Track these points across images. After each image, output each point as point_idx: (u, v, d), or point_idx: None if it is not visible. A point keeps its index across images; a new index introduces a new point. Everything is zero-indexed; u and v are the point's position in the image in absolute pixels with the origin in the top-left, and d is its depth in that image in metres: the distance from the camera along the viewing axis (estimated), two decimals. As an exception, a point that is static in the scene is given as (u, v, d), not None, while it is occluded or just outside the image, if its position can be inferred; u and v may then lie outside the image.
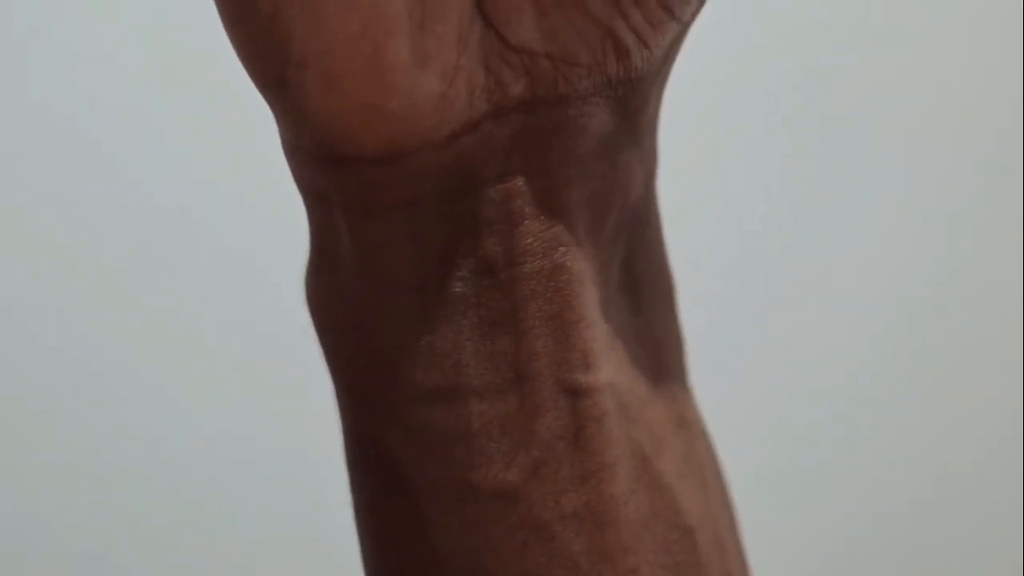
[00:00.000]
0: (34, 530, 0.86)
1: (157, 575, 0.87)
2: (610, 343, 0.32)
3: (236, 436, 0.87)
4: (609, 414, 0.31)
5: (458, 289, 0.30)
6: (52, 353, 0.85)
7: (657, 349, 0.33)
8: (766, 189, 0.90)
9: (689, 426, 0.33)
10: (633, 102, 0.31)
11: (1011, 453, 0.94)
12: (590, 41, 0.29)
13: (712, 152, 0.89)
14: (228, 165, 0.85)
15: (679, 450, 0.33)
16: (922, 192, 0.92)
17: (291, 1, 0.28)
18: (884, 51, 0.91)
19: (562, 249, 0.30)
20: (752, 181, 0.90)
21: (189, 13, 0.81)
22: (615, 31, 0.29)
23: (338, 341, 0.31)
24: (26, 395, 0.85)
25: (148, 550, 0.87)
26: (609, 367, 0.31)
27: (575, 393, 0.31)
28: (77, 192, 0.84)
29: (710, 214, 0.89)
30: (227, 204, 0.86)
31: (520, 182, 0.30)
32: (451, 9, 0.29)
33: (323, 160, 0.29)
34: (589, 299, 0.31)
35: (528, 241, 0.30)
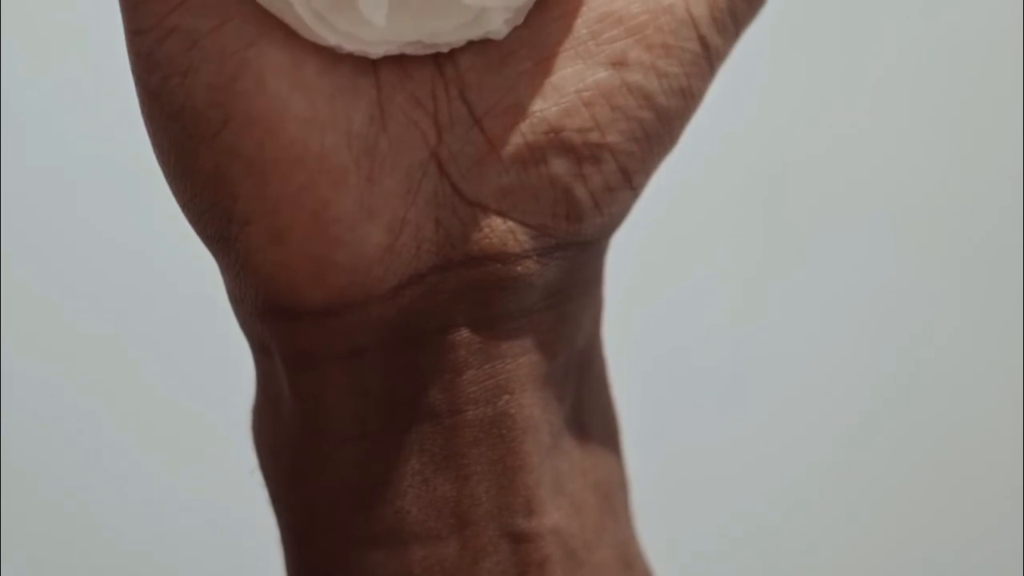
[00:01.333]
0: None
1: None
2: (557, 487, 0.31)
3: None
4: (552, 559, 0.31)
5: (400, 438, 0.30)
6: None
7: (605, 491, 0.33)
8: (745, 275, 0.91)
9: (635, 570, 0.33)
10: (582, 257, 0.31)
11: (1010, 532, 0.94)
12: (545, 202, 0.29)
13: (692, 236, 0.89)
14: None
15: None
16: (899, 277, 0.92)
17: (234, 159, 0.28)
18: (864, 143, 0.91)
19: (505, 397, 0.30)
20: (732, 267, 0.90)
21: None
22: (572, 194, 0.29)
23: (280, 484, 0.31)
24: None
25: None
26: (555, 512, 0.31)
27: (517, 539, 0.31)
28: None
29: (690, 299, 0.89)
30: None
31: (464, 333, 0.30)
32: (401, 162, 0.29)
33: (266, 313, 0.29)
34: (533, 444, 0.31)
35: (471, 390, 0.30)
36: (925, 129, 0.91)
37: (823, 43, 0.89)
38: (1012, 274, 0.91)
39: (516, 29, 0.29)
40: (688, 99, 0.30)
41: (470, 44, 0.29)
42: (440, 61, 0.29)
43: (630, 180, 0.30)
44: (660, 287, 0.86)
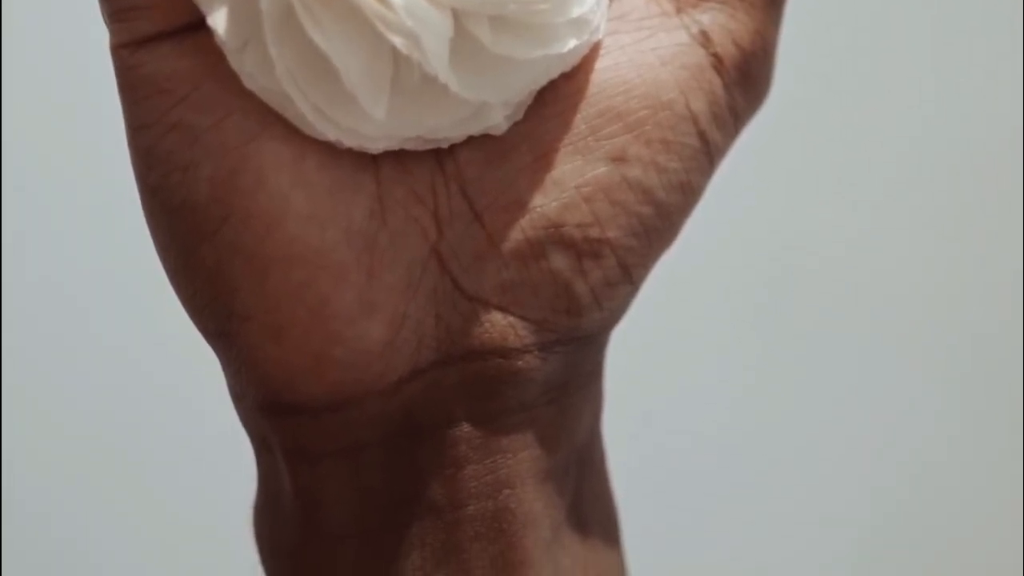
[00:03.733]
0: None
1: None
2: None
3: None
4: None
5: (401, 533, 0.30)
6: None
7: None
8: (741, 376, 0.91)
9: None
10: (582, 352, 0.31)
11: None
12: (545, 296, 0.29)
13: (689, 335, 0.89)
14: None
15: None
16: (898, 382, 0.92)
17: (234, 254, 0.28)
18: (863, 247, 0.91)
19: (506, 491, 0.30)
20: (729, 368, 0.90)
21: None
22: (572, 289, 0.29)
23: None
24: None
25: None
26: None
27: None
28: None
29: (696, 396, 0.89)
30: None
31: (465, 428, 0.30)
32: (401, 257, 0.29)
33: (265, 408, 0.29)
34: (534, 539, 0.31)
35: (472, 485, 0.30)
36: (926, 232, 0.91)
37: (822, 146, 0.90)
38: (1012, 382, 0.91)
39: (516, 124, 0.29)
40: (688, 194, 0.30)
41: (470, 139, 0.29)
42: (440, 156, 0.29)
43: (630, 275, 0.30)
44: (658, 385, 0.86)
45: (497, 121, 0.29)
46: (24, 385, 0.84)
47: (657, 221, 0.30)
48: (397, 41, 0.27)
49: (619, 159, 0.29)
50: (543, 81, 0.29)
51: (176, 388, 0.83)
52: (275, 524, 0.31)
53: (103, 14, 0.28)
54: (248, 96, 0.28)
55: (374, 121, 0.28)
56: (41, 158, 0.84)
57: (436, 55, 0.27)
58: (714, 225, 0.87)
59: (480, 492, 0.30)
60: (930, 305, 0.91)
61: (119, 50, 0.28)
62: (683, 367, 0.88)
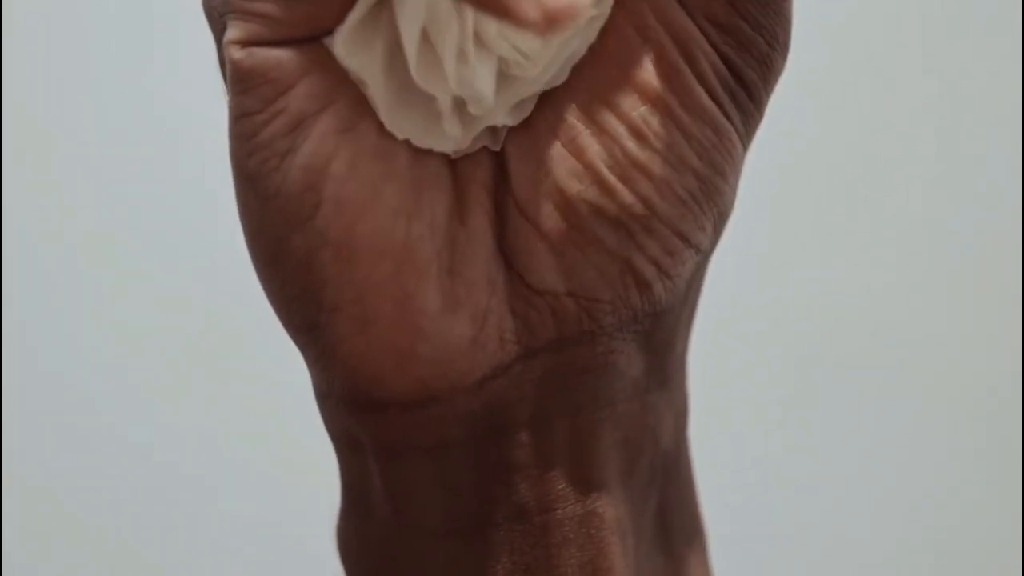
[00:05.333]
0: None
1: None
2: None
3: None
4: None
5: (490, 535, 0.30)
6: None
7: None
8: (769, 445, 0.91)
9: None
10: (659, 337, 0.31)
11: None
12: (610, 276, 0.29)
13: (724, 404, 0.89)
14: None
15: None
16: (919, 444, 0.92)
17: (325, 244, 0.28)
18: (892, 307, 0.92)
19: (594, 494, 0.30)
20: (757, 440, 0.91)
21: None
22: (633, 264, 0.29)
23: None
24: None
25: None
26: None
27: None
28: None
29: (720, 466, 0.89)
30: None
31: (550, 425, 0.30)
32: (479, 254, 0.29)
33: (353, 404, 0.29)
34: (621, 546, 0.30)
35: (560, 486, 0.30)
36: (942, 295, 0.92)
37: (843, 216, 0.91)
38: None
39: (542, 112, 0.30)
40: (723, 153, 0.30)
41: (509, 134, 0.30)
42: (494, 154, 0.30)
43: (688, 240, 0.30)
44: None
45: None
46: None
47: (698, 185, 0.29)
48: (471, 105, 0.29)
49: (642, 133, 0.29)
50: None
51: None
52: (364, 526, 0.31)
53: (216, 6, 0.29)
54: (349, 89, 0.29)
55: (452, 139, 0.29)
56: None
57: (495, 106, 0.29)
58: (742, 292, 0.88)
59: (568, 495, 0.30)
60: (950, 358, 0.92)
61: (231, 45, 0.28)
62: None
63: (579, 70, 0.30)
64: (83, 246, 0.87)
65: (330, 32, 0.28)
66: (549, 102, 0.30)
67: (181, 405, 0.86)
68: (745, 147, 0.30)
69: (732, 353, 0.89)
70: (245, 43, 0.28)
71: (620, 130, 0.29)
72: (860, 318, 0.91)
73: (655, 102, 0.29)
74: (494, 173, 0.30)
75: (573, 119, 0.29)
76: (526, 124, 0.30)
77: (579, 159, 0.29)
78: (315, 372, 0.30)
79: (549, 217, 0.29)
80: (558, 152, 0.29)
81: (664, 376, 0.31)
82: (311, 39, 0.28)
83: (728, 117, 0.29)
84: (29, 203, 0.86)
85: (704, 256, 0.31)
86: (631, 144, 0.29)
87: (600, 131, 0.29)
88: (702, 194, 0.29)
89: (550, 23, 0.25)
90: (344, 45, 0.28)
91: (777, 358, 0.91)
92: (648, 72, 0.29)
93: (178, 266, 0.87)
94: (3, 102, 0.85)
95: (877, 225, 0.91)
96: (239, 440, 0.87)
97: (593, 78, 0.29)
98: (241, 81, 0.28)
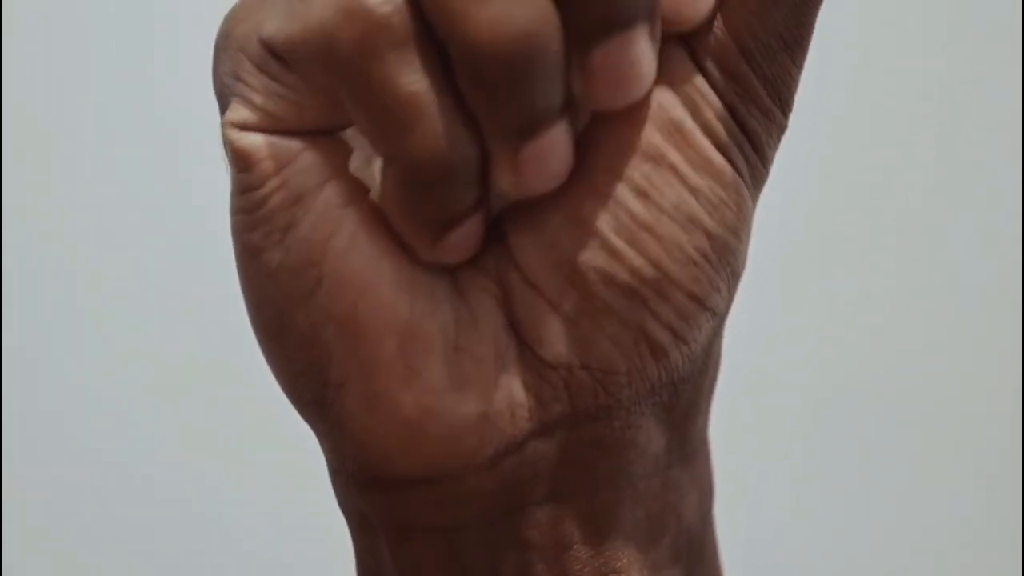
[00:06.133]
0: None
1: None
2: None
3: None
4: None
5: None
6: None
7: None
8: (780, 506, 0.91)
9: None
10: (679, 409, 0.30)
11: None
12: (624, 345, 0.28)
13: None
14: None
15: None
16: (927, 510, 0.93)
17: (328, 320, 0.28)
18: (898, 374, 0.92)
19: None
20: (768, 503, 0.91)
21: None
22: (647, 331, 0.28)
23: None
24: None
25: None
26: None
27: None
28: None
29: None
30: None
31: (567, 503, 0.29)
32: (486, 328, 0.29)
33: (364, 482, 0.29)
34: None
35: (577, 567, 0.29)
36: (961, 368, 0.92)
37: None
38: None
39: None
40: (733, 210, 0.29)
41: (510, 209, 0.29)
42: (491, 229, 0.29)
43: (702, 303, 0.29)
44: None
45: None
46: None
47: (710, 243, 0.28)
48: None
49: (646, 192, 0.28)
50: None
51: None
52: None
53: (226, 85, 0.28)
54: (345, 165, 0.29)
55: None
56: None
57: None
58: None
59: None
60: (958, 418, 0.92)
61: (230, 126, 0.28)
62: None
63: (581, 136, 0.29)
64: (83, 246, 0.86)
65: (328, 131, 0.28)
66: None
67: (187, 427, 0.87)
68: (753, 203, 0.29)
69: (746, 423, 0.89)
70: (244, 127, 0.28)
71: (623, 192, 0.28)
72: (873, 392, 0.91)
73: (658, 159, 0.28)
74: (489, 249, 0.29)
75: (574, 185, 0.28)
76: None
77: (583, 226, 0.28)
78: (325, 448, 0.30)
79: (558, 288, 0.28)
80: (561, 220, 0.28)
81: (686, 451, 0.30)
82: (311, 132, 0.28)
83: (736, 169, 0.29)
84: (29, 203, 0.86)
85: (720, 319, 0.30)
86: (636, 205, 0.28)
87: (603, 194, 0.28)
88: (714, 253, 0.28)
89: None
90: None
91: (793, 426, 0.91)
92: (649, 127, 0.28)
93: (180, 268, 0.87)
94: (3, 102, 0.85)
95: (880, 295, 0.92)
96: (250, 454, 0.87)
97: (592, 139, 0.29)
98: (240, 160, 0.28)
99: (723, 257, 0.29)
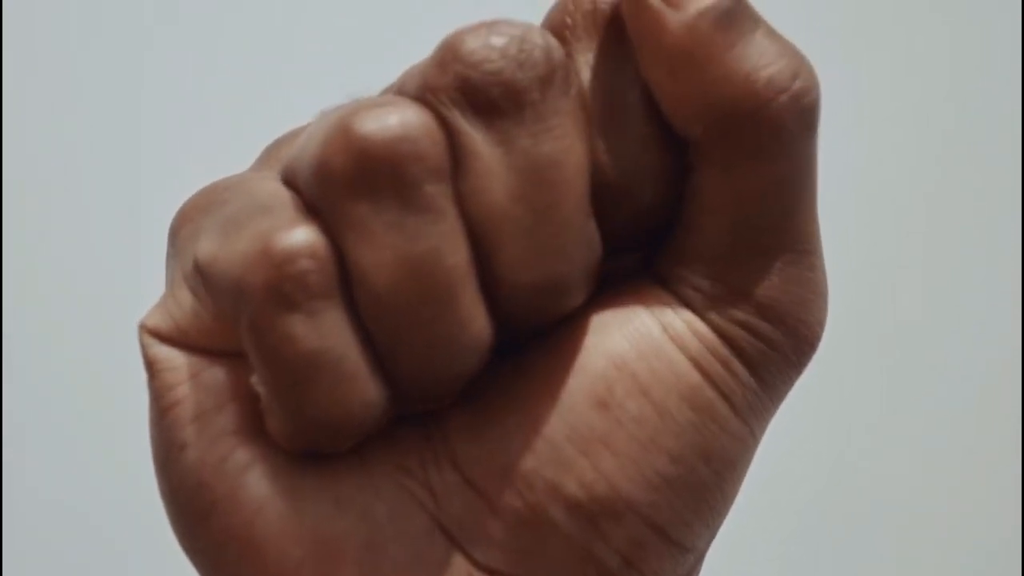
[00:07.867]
0: None
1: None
2: None
3: None
4: None
5: None
6: None
7: None
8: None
9: None
10: None
11: None
12: (567, 564, 0.26)
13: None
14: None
15: None
16: None
17: (229, 540, 0.27)
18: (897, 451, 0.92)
19: None
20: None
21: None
22: (594, 553, 0.26)
23: None
24: None
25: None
26: None
27: None
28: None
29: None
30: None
31: None
32: (405, 529, 0.27)
33: None
34: None
35: None
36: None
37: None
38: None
39: (499, 386, 0.27)
40: (707, 437, 0.26)
41: (454, 406, 0.27)
42: (426, 425, 0.27)
43: (665, 534, 0.26)
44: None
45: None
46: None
47: (673, 469, 0.26)
48: None
49: (604, 402, 0.26)
50: None
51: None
52: None
53: (165, 279, 0.28)
54: (250, 389, 0.28)
55: None
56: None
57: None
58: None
59: None
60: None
61: (144, 330, 0.28)
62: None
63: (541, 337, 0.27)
64: (82, 246, 0.86)
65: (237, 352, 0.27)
66: (510, 371, 0.27)
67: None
68: (753, 432, 0.27)
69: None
70: (157, 335, 0.27)
71: (579, 397, 0.26)
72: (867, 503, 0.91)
73: (620, 367, 0.26)
74: (419, 446, 0.27)
75: (528, 384, 0.27)
76: (470, 393, 0.27)
77: (534, 431, 0.26)
78: None
79: (502, 493, 0.26)
80: (512, 422, 0.26)
81: None
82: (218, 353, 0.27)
83: (719, 391, 0.26)
84: (29, 203, 0.86)
85: (695, 555, 0.27)
86: (592, 414, 0.26)
87: (557, 398, 0.26)
88: (678, 480, 0.26)
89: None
90: None
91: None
92: (615, 332, 0.26)
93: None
94: (3, 102, 0.85)
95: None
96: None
97: (552, 338, 0.27)
98: (147, 367, 0.27)
99: (690, 487, 0.26)
